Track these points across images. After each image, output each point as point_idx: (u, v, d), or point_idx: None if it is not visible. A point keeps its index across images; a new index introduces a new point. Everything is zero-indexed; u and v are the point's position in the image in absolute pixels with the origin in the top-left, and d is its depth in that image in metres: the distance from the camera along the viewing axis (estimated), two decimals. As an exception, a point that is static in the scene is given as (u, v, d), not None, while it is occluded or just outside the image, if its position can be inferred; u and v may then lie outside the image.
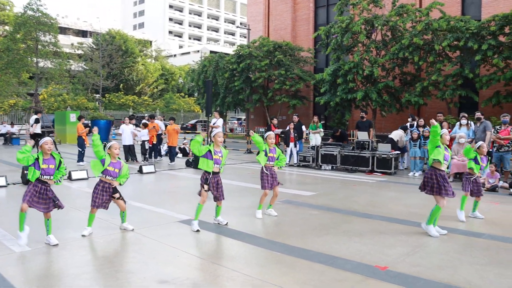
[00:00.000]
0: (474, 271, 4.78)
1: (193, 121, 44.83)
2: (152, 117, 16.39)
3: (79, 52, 49.63)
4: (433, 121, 6.29)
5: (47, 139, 5.53)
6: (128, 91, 52.75)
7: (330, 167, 14.51)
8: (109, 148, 6.04)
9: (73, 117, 25.83)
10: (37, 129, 19.57)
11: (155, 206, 8.06)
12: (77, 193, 9.64)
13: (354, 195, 9.77)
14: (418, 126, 13.78)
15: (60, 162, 5.65)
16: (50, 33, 29.48)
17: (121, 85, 51.42)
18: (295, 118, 15.81)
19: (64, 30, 62.34)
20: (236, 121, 45.11)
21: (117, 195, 6.13)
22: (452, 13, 21.92)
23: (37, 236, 5.77)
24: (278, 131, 15.27)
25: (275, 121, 15.66)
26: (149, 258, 5.12)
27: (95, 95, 48.80)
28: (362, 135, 14.25)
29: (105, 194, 6.02)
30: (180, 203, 8.45)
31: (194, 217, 6.47)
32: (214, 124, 15.95)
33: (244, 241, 5.90)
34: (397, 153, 13.73)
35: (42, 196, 5.49)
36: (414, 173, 13.07)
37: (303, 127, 16.03)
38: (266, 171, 7.28)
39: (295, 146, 15.55)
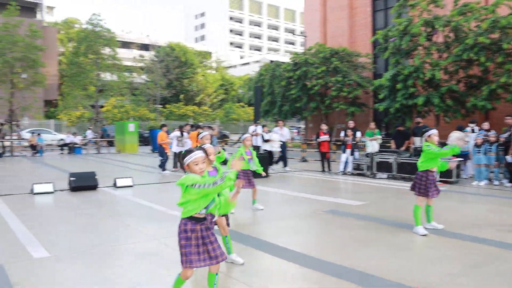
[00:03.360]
0: None
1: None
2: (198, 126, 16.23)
3: (141, 64, 51.33)
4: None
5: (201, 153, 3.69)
6: (188, 101, 53.86)
7: (385, 176, 13.69)
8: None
9: (131, 127, 26.58)
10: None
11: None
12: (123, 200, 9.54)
13: (407, 204, 8.97)
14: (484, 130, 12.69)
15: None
16: (110, 46, 30.50)
17: (181, 95, 52.57)
18: (351, 124, 15.04)
19: (127, 45, 64.87)
20: (295, 130, 44.65)
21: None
22: (523, 8, 20.31)
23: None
24: (325, 137, 14.68)
25: (324, 126, 15.06)
26: (165, 270, 4.78)
27: (155, 105, 50.34)
28: (419, 141, 13.33)
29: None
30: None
31: None
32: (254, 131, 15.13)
33: (274, 255, 5.40)
34: (459, 160, 12.67)
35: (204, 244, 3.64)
36: (479, 183, 11.96)
37: (358, 133, 15.14)
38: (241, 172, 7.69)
39: (351, 154, 14.72)
